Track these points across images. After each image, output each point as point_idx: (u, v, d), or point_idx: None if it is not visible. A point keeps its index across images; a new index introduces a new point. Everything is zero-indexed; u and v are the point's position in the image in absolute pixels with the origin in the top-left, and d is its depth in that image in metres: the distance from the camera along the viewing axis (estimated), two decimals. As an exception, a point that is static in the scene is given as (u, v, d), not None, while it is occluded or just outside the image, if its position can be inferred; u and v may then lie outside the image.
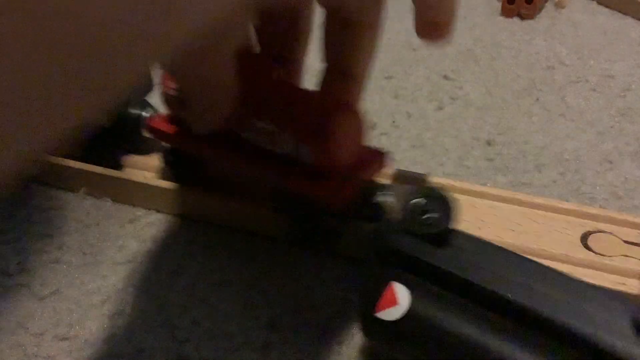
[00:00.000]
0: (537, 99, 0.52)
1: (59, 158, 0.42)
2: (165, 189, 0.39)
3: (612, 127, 0.48)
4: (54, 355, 0.31)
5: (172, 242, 0.38)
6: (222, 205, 0.38)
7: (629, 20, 0.66)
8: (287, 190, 0.34)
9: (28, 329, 0.32)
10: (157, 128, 0.38)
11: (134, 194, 0.40)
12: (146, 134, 0.40)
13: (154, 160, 0.41)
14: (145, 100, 0.43)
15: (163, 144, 0.40)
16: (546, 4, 0.70)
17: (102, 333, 0.32)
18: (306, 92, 0.34)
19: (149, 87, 0.43)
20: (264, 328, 0.32)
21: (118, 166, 0.41)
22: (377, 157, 0.35)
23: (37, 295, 0.34)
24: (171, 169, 0.39)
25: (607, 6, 0.69)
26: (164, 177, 0.40)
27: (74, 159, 0.41)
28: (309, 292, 0.34)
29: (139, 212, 0.40)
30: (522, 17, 0.66)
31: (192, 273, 0.36)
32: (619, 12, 0.68)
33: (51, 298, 0.34)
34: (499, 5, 0.68)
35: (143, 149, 0.43)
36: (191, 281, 0.35)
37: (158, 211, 0.40)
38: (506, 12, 0.67)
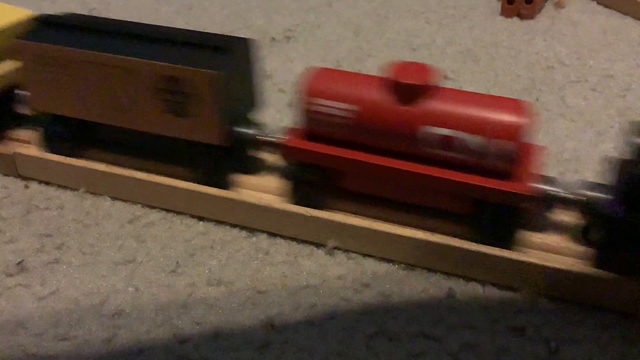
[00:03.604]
0: (537, 99, 0.52)
1: (61, 157, 0.42)
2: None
3: (611, 127, 0.48)
4: (54, 355, 0.31)
5: (172, 241, 0.38)
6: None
7: (629, 20, 0.66)
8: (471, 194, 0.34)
9: (28, 329, 0.32)
10: (302, 148, 0.36)
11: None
12: (282, 157, 0.38)
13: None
14: (251, 119, 0.40)
15: (288, 164, 0.38)
16: (546, 4, 0.70)
17: (102, 333, 0.32)
18: (474, 94, 0.34)
19: (253, 105, 0.40)
20: (263, 328, 0.32)
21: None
22: (536, 150, 0.35)
23: (37, 295, 0.34)
24: (300, 190, 0.38)
25: (606, 6, 0.69)
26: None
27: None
28: (309, 292, 0.34)
29: (138, 211, 0.40)
30: (522, 17, 0.66)
31: (192, 273, 0.36)
32: (619, 12, 0.68)
33: (51, 298, 0.34)
34: (498, 5, 0.68)
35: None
36: (191, 281, 0.35)
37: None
38: (506, 12, 0.67)
